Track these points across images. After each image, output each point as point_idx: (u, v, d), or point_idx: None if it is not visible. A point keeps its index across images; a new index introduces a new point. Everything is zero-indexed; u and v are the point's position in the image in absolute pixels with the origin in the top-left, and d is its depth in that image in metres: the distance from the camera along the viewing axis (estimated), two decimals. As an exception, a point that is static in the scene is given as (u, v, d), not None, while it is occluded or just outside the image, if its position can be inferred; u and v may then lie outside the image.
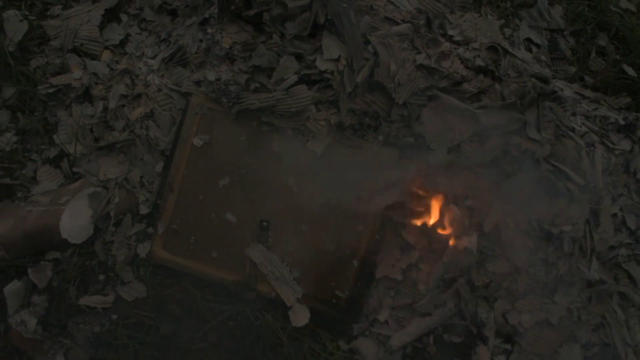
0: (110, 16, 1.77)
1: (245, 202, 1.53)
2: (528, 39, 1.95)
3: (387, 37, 1.54)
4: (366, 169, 1.52)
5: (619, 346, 1.57)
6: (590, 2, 2.11)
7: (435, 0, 1.81)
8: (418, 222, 1.54)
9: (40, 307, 1.52)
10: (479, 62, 1.61)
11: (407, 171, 1.53)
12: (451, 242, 1.54)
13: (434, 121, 1.53)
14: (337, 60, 1.50)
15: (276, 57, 1.51)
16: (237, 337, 1.52)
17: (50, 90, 1.62)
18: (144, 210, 1.57)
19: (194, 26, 1.63)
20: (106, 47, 1.71)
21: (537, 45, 1.96)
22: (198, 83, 1.56)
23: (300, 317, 1.51)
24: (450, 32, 1.73)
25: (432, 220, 1.54)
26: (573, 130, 1.65)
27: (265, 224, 1.52)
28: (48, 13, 1.77)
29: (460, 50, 1.65)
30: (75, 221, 1.52)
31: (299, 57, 1.52)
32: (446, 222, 1.53)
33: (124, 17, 1.78)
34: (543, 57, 1.92)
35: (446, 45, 1.61)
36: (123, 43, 1.73)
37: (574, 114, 1.70)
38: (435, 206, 1.55)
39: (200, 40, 1.58)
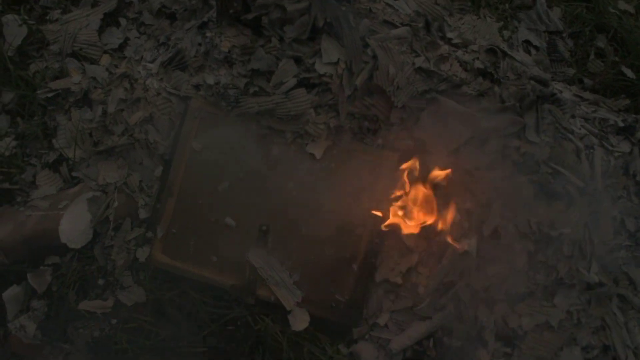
0: (109, 20, 1.77)
1: (244, 206, 1.53)
2: (527, 41, 1.95)
3: (386, 41, 1.54)
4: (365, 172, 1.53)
5: (619, 348, 1.57)
6: (589, 4, 2.11)
7: (434, 3, 1.81)
8: (417, 226, 1.54)
9: (39, 312, 1.51)
10: (478, 64, 1.61)
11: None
12: (450, 241, 1.54)
13: (433, 124, 1.53)
14: (336, 63, 1.50)
15: (275, 60, 1.51)
16: (237, 341, 1.52)
17: (50, 95, 1.62)
18: (143, 214, 1.57)
19: (193, 30, 1.63)
20: (105, 51, 1.71)
21: (536, 48, 1.96)
22: (197, 87, 1.56)
23: (300, 321, 1.50)
24: (449, 35, 1.73)
25: (432, 223, 1.54)
26: (572, 132, 1.65)
27: (264, 228, 1.52)
28: (47, 17, 1.77)
29: (459, 52, 1.65)
30: (74, 226, 1.52)
31: (298, 61, 1.52)
32: (445, 226, 1.53)
33: (122, 21, 1.78)
34: (542, 59, 1.92)
35: (445, 48, 1.61)
36: (122, 47, 1.74)
37: (573, 116, 1.70)
38: (435, 210, 1.55)
39: (199, 44, 1.58)
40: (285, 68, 1.51)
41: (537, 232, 1.55)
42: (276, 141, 1.53)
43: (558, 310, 1.55)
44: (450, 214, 1.53)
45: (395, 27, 1.60)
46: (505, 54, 1.66)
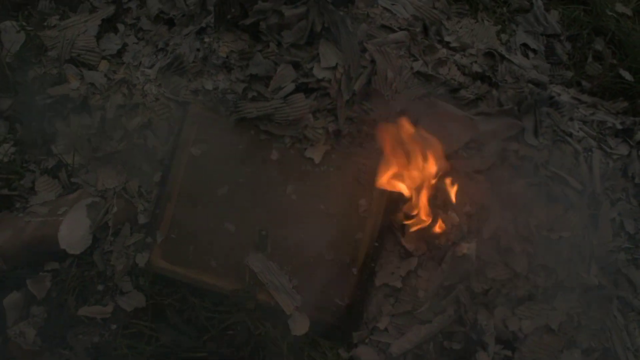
0: (107, 26, 1.78)
1: (243, 211, 1.53)
2: (524, 45, 1.96)
3: (384, 45, 1.54)
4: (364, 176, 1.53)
5: (619, 351, 1.57)
6: (586, 6, 2.12)
7: (432, 7, 1.81)
8: (417, 229, 1.54)
9: (39, 318, 1.51)
10: (476, 68, 1.62)
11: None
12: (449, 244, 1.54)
13: (431, 128, 1.53)
14: (335, 68, 1.50)
15: (273, 65, 1.52)
16: (237, 346, 1.52)
17: (48, 101, 1.62)
18: (142, 219, 1.57)
19: (191, 35, 1.63)
20: (103, 57, 1.71)
21: (534, 51, 1.96)
22: (195, 92, 1.56)
23: (300, 325, 1.50)
24: (447, 39, 1.74)
25: (431, 227, 1.54)
26: (570, 135, 1.65)
27: (264, 232, 1.52)
28: (45, 24, 1.78)
29: (457, 56, 1.65)
30: (73, 231, 1.51)
31: (296, 66, 1.52)
32: (445, 229, 1.53)
33: (121, 27, 1.78)
34: (540, 63, 1.92)
35: (443, 52, 1.62)
36: (120, 53, 1.74)
37: (571, 119, 1.70)
38: (434, 213, 1.55)
39: (198, 50, 1.58)
40: (283, 73, 1.51)
41: (537, 235, 1.55)
42: (275, 146, 1.53)
43: (558, 313, 1.55)
44: (450, 218, 1.53)
45: (393, 31, 1.61)
46: (503, 57, 1.67)
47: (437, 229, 1.53)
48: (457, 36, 1.78)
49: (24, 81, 1.66)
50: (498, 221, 1.53)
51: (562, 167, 1.59)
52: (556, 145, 1.61)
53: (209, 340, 1.51)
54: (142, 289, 1.54)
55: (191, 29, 1.68)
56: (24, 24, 1.73)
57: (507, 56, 1.70)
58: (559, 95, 1.74)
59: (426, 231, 1.55)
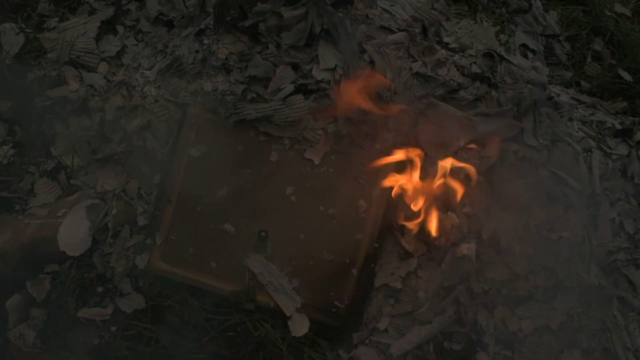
0: (107, 28, 1.77)
1: (243, 212, 1.53)
2: (524, 45, 1.96)
3: (383, 46, 1.55)
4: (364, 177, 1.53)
5: (619, 351, 1.57)
6: (585, 7, 2.12)
7: (431, 8, 1.82)
8: (416, 230, 1.54)
9: (38, 320, 1.51)
10: (475, 69, 1.62)
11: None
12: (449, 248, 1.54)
13: (430, 129, 1.53)
14: (334, 69, 1.50)
15: (272, 67, 1.52)
16: (237, 347, 1.52)
17: (47, 103, 1.62)
18: (142, 221, 1.57)
19: (190, 37, 1.63)
20: (103, 59, 1.71)
21: (533, 51, 1.96)
22: (195, 94, 1.56)
23: (300, 326, 1.50)
24: (446, 40, 1.74)
25: (430, 227, 1.54)
26: (570, 135, 1.65)
27: (263, 234, 1.52)
28: (44, 26, 1.78)
29: (456, 57, 1.66)
30: (73, 233, 1.51)
31: (295, 67, 1.52)
32: (444, 230, 1.53)
33: (120, 29, 1.78)
34: (539, 63, 1.92)
35: (442, 53, 1.62)
36: (119, 54, 1.74)
37: (570, 120, 1.70)
38: (434, 214, 1.55)
39: (197, 51, 1.58)
40: (282, 74, 1.51)
41: (536, 235, 1.55)
42: (274, 147, 1.53)
43: (558, 313, 1.55)
44: (449, 218, 1.53)
45: (392, 32, 1.61)
46: (502, 58, 1.67)
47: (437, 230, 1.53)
48: (456, 37, 1.79)
49: (23, 83, 1.66)
50: (498, 222, 1.53)
51: (561, 168, 1.59)
52: (555, 146, 1.61)
53: (209, 342, 1.51)
54: (142, 290, 1.54)
55: (190, 30, 1.68)
56: (23, 26, 1.73)
57: (506, 57, 1.70)
58: (558, 95, 1.74)
59: (426, 232, 1.55)
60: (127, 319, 1.52)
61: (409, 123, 1.53)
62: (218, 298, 1.53)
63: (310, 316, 1.51)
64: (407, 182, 1.50)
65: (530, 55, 1.96)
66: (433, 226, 1.50)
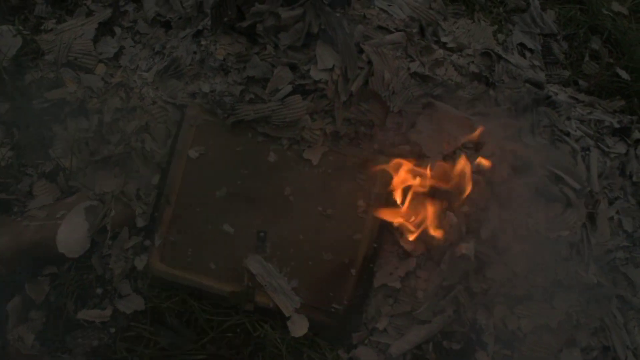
0: (104, 29, 1.77)
1: (242, 213, 1.53)
2: (521, 44, 1.96)
3: (381, 46, 1.55)
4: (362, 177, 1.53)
5: (618, 349, 1.57)
6: (582, 6, 2.12)
7: (428, 8, 1.82)
8: (415, 230, 1.54)
9: (37, 322, 1.51)
10: (473, 68, 1.62)
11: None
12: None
13: (429, 128, 1.53)
14: (332, 69, 1.50)
15: (270, 67, 1.52)
16: (236, 348, 1.52)
17: (45, 105, 1.62)
18: (140, 223, 1.57)
19: (188, 38, 1.63)
20: (100, 61, 1.71)
21: (531, 50, 1.96)
22: (193, 95, 1.56)
23: (299, 327, 1.50)
24: (443, 39, 1.74)
25: (429, 227, 1.54)
26: (568, 134, 1.65)
27: (262, 234, 1.52)
28: (42, 27, 1.77)
29: (454, 57, 1.66)
30: (71, 235, 1.51)
31: (293, 68, 1.52)
32: (443, 229, 1.53)
33: (117, 30, 1.78)
34: (537, 62, 1.93)
35: (440, 53, 1.62)
36: (117, 56, 1.74)
37: (568, 118, 1.71)
38: (432, 213, 1.55)
39: (194, 52, 1.58)
40: (280, 75, 1.51)
41: (535, 235, 1.55)
42: (272, 148, 1.53)
43: (557, 312, 1.55)
44: (448, 218, 1.53)
45: (390, 32, 1.61)
46: (500, 57, 1.67)
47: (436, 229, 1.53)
48: (454, 37, 1.79)
49: (21, 85, 1.66)
50: (496, 221, 1.53)
51: (560, 167, 1.59)
52: (554, 145, 1.61)
53: (208, 343, 1.51)
54: (141, 292, 1.54)
55: (188, 31, 1.68)
56: (21, 28, 1.73)
57: (504, 56, 1.70)
58: (556, 94, 1.74)
59: (425, 232, 1.55)
60: (127, 321, 1.52)
61: (407, 123, 1.54)
62: (217, 299, 1.53)
63: (310, 316, 1.51)
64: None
65: (528, 54, 1.96)
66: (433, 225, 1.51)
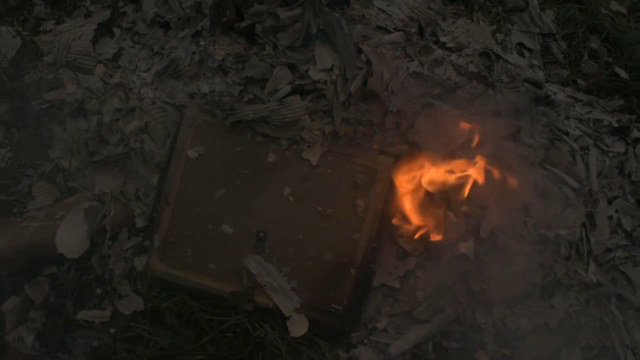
0: (103, 30, 1.77)
1: (241, 213, 1.53)
2: (520, 44, 1.96)
3: (380, 46, 1.55)
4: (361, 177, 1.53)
5: (618, 348, 1.57)
6: (581, 5, 2.12)
7: (427, 8, 1.82)
8: (414, 230, 1.54)
9: (37, 322, 1.51)
10: (472, 68, 1.62)
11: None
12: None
13: (428, 128, 1.53)
14: (330, 69, 1.50)
15: (269, 68, 1.52)
16: (236, 348, 1.52)
17: (44, 106, 1.62)
18: (140, 223, 1.57)
19: (187, 39, 1.63)
20: (99, 62, 1.71)
21: (530, 50, 1.96)
22: (192, 95, 1.56)
23: (299, 327, 1.50)
24: (442, 39, 1.74)
25: (429, 227, 1.54)
26: (567, 133, 1.65)
27: (261, 234, 1.52)
28: (41, 29, 1.78)
29: (453, 56, 1.66)
30: (71, 236, 1.51)
31: (292, 68, 1.52)
32: (442, 229, 1.53)
33: (116, 31, 1.78)
34: (536, 62, 1.93)
35: (439, 52, 1.62)
36: (116, 57, 1.74)
37: (567, 118, 1.71)
38: (432, 212, 1.55)
39: (193, 53, 1.58)
40: (279, 75, 1.51)
41: (534, 234, 1.55)
42: (272, 148, 1.53)
43: (556, 311, 1.55)
44: (447, 217, 1.53)
45: (389, 32, 1.61)
46: (499, 57, 1.67)
47: (435, 229, 1.53)
48: (453, 36, 1.79)
49: (20, 86, 1.66)
50: (495, 220, 1.53)
51: (559, 166, 1.59)
52: (553, 144, 1.61)
53: (208, 343, 1.51)
54: (141, 292, 1.54)
55: (187, 32, 1.68)
56: (20, 29, 1.73)
57: (502, 56, 1.70)
58: (555, 94, 1.74)
59: (424, 232, 1.55)
60: (126, 321, 1.52)
61: (406, 123, 1.54)
62: (217, 299, 1.53)
63: (309, 316, 1.51)
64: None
65: (526, 54, 1.96)
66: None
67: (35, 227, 1.51)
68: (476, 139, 1.53)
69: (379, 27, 1.63)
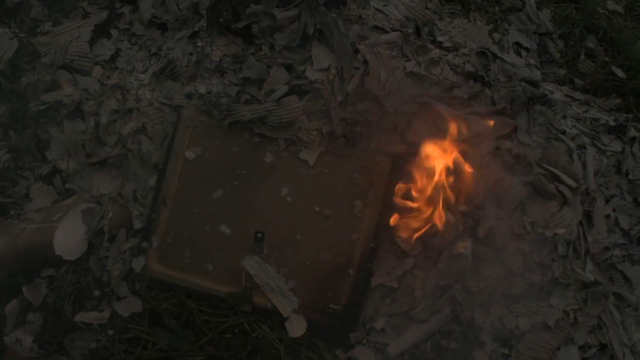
0: (100, 31, 1.77)
1: (239, 214, 1.53)
2: (517, 43, 1.97)
3: (377, 46, 1.55)
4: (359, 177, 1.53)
5: (616, 347, 1.57)
6: (578, 4, 2.13)
7: (424, 8, 1.82)
8: (412, 229, 1.54)
9: (35, 324, 1.51)
10: (469, 67, 1.62)
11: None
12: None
13: (425, 128, 1.53)
14: (327, 70, 1.50)
15: (266, 68, 1.52)
16: (234, 349, 1.52)
17: (42, 107, 1.62)
18: (137, 224, 1.57)
19: (184, 39, 1.63)
20: (96, 63, 1.71)
21: (527, 49, 1.97)
22: (189, 96, 1.56)
23: (297, 327, 1.51)
24: (439, 39, 1.75)
25: (426, 226, 1.54)
26: (564, 132, 1.65)
27: (259, 235, 1.52)
28: (38, 30, 1.78)
29: (450, 56, 1.66)
30: (69, 237, 1.51)
31: (289, 68, 1.53)
32: (440, 229, 1.53)
33: (114, 32, 1.78)
34: (533, 61, 1.93)
35: (435, 52, 1.62)
36: (113, 58, 1.74)
37: (564, 117, 1.71)
38: (429, 213, 1.55)
39: (190, 54, 1.58)
40: (276, 75, 1.51)
41: (532, 233, 1.55)
42: (269, 148, 1.53)
43: (554, 310, 1.55)
44: (445, 217, 1.53)
45: (386, 32, 1.61)
46: (495, 56, 1.67)
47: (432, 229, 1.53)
48: (450, 36, 1.79)
49: (18, 88, 1.66)
50: (493, 220, 1.53)
51: (556, 165, 1.59)
52: (550, 143, 1.61)
53: (207, 344, 1.51)
54: (139, 293, 1.54)
55: (184, 33, 1.68)
56: (17, 30, 1.73)
57: (499, 55, 1.70)
58: (552, 93, 1.75)
59: (422, 231, 1.55)
60: (124, 323, 1.52)
61: (403, 123, 1.54)
62: (215, 300, 1.53)
63: (308, 317, 1.51)
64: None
65: (523, 53, 1.96)
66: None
67: (32, 229, 1.51)
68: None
69: (376, 27, 1.63)
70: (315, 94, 1.52)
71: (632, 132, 1.75)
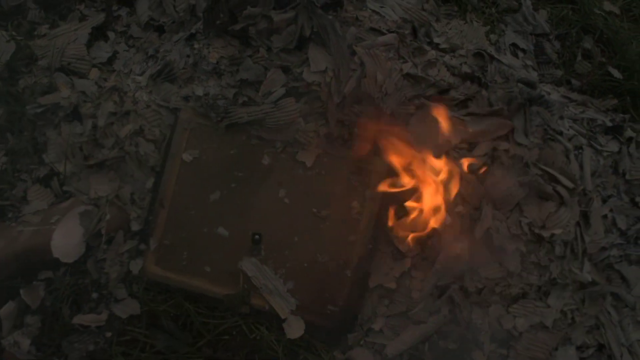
0: (98, 34, 1.77)
1: (236, 216, 1.53)
2: (514, 44, 1.97)
3: (373, 48, 1.55)
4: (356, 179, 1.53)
5: (613, 347, 1.58)
6: (574, 5, 2.13)
7: (421, 9, 1.82)
8: (409, 230, 1.54)
9: (33, 327, 1.51)
10: (466, 69, 1.62)
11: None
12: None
13: (422, 129, 1.54)
14: (324, 72, 1.51)
15: (263, 70, 1.52)
16: (232, 350, 1.52)
17: (39, 110, 1.62)
18: (135, 226, 1.57)
19: (181, 42, 1.63)
20: (94, 65, 1.71)
21: (523, 50, 1.97)
22: (186, 98, 1.56)
23: (295, 328, 1.50)
24: (436, 40, 1.75)
25: (424, 227, 1.55)
26: (561, 133, 1.66)
27: (257, 237, 1.52)
28: (35, 33, 1.77)
29: (447, 57, 1.66)
30: (66, 240, 1.51)
31: (286, 70, 1.53)
32: (437, 229, 1.54)
33: (111, 35, 1.78)
34: (530, 62, 1.93)
35: (432, 54, 1.62)
36: (111, 60, 1.74)
37: (561, 118, 1.71)
38: (427, 214, 1.56)
39: (188, 56, 1.58)
40: (273, 77, 1.51)
41: (529, 234, 1.56)
42: (266, 150, 1.53)
43: (552, 310, 1.56)
44: (442, 218, 1.53)
45: (382, 34, 1.61)
46: (492, 57, 1.67)
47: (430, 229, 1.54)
48: (446, 37, 1.79)
49: (15, 91, 1.66)
50: (490, 220, 1.53)
51: (553, 166, 1.59)
52: (547, 144, 1.62)
53: (205, 346, 1.51)
54: (137, 296, 1.54)
55: (181, 35, 1.68)
56: (14, 33, 1.73)
57: (496, 56, 1.70)
58: (549, 94, 1.75)
59: (419, 232, 1.55)
60: (122, 325, 1.52)
61: (400, 124, 1.54)
62: (213, 302, 1.53)
63: (305, 318, 1.51)
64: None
65: (520, 54, 1.97)
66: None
67: (30, 232, 1.51)
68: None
69: (373, 29, 1.63)
70: (312, 96, 1.52)
71: (629, 133, 1.75)
